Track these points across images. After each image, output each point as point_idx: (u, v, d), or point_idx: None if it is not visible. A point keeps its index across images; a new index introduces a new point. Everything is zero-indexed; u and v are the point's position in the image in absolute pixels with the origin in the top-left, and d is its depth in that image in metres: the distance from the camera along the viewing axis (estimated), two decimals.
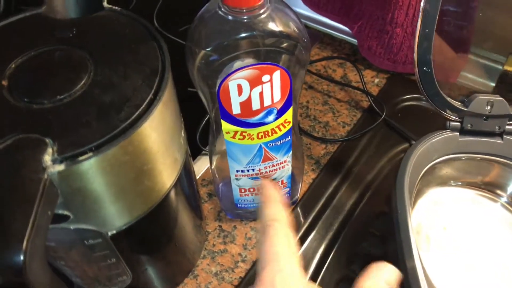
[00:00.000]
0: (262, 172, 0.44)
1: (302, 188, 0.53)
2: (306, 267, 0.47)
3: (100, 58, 0.31)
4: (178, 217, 0.40)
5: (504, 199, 0.45)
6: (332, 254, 0.49)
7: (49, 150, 0.26)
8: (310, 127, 0.60)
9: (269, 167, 0.44)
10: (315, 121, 0.61)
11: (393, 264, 0.33)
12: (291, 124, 0.40)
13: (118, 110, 0.28)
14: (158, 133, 0.30)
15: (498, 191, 0.45)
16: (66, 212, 0.29)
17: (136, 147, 0.29)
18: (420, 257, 0.36)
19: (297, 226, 0.51)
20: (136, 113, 0.28)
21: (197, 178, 0.55)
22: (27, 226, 0.23)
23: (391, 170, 0.56)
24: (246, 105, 0.37)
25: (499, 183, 0.45)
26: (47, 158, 0.26)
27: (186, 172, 0.38)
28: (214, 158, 0.47)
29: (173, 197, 0.37)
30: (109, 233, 0.32)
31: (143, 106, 0.29)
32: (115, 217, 0.32)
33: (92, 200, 0.29)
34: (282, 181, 0.46)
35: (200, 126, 0.57)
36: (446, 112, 0.43)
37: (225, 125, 0.38)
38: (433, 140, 0.43)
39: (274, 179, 0.46)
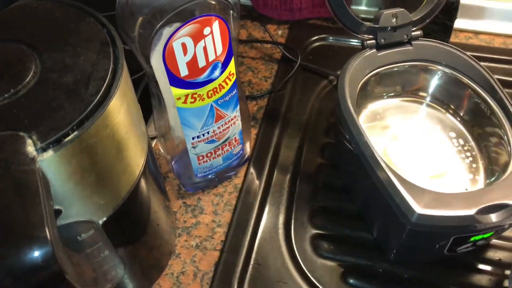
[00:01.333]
0: (216, 133, 0.45)
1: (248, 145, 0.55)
2: (278, 210, 0.50)
3: (41, 46, 0.29)
4: (153, 197, 0.39)
5: (427, 99, 0.52)
6: (296, 191, 0.51)
7: (29, 141, 0.24)
8: None
9: (222, 126, 0.44)
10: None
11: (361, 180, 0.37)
12: (235, 76, 0.41)
13: (85, 86, 0.27)
14: (128, 102, 0.30)
15: (421, 93, 0.52)
16: (57, 207, 0.27)
17: (113, 118, 0.28)
18: (388, 166, 0.40)
19: (257, 179, 0.52)
20: (105, 84, 0.27)
21: None
22: (42, 214, 0.22)
23: (320, 105, 0.60)
24: (192, 64, 0.37)
25: (420, 87, 0.51)
26: (31, 149, 0.24)
27: (150, 148, 0.38)
28: (162, 140, 0.46)
29: (148, 175, 0.36)
30: (100, 222, 0.31)
31: (109, 76, 0.28)
32: (104, 201, 0.31)
33: (81, 186, 0.28)
34: (235, 138, 0.47)
35: None
36: (360, 32, 0.47)
37: (175, 91, 0.38)
38: (358, 61, 0.47)
39: (228, 138, 0.46)
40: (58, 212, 0.28)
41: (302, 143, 0.56)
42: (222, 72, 0.39)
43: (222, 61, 0.39)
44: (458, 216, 0.37)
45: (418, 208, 0.37)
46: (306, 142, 0.56)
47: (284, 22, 0.70)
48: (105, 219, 0.31)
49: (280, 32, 0.69)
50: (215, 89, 0.40)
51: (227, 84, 0.41)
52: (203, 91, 0.39)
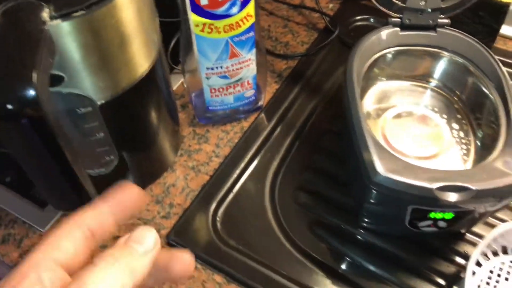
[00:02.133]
0: (230, 70, 0.49)
1: (266, 97, 0.59)
2: (272, 158, 0.54)
3: None
4: (157, 107, 0.45)
5: (433, 84, 0.53)
6: (295, 147, 0.55)
7: (46, 9, 0.30)
8: (272, 46, 0.66)
9: (236, 65, 0.49)
10: (277, 41, 0.66)
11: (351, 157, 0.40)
12: (253, 19, 0.45)
13: None
14: (139, 5, 0.35)
15: (428, 78, 0.53)
16: (61, 73, 0.34)
17: (120, 12, 0.33)
18: (374, 143, 0.42)
19: (262, 128, 0.56)
20: None
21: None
22: (34, 62, 0.28)
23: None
24: None
25: (427, 72, 0.52)
26: (45, 15, 0.30)
27: (160, 58, 0.43)
28: (187, 74, 0.52)
29: (153, 81, 0.42)
30: (99, 103, 0.37)
31: None
32: (104, 84, 0.36)
33: (84, 63, 0.34)
34: (248, 81, 0.52)
35: (170, 46, 0.61)
36: (387, 9, 0.49)
37: (195, 18, 0.43)
38: (376, 35, 0.49)
39: (240, 79, 0.51)
40: (61, 78, 0.34)
41: (315, 108, 0.59)
42: (240, 10, 0.44)
43: (241, 0, 0.43)
44: (418, 186, 0.39)
45: (382, 170, 0.39)
46: (319, 107, 0.59)
47: None
48: (103, 101, 0.37)
49: (331, 5, 0.72)
50: (231, 25, 0.45)
51: (243, 23, 0.45)
52: (220, 23, 0.44)
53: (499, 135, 0.44)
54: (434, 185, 0.39)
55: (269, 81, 0.61)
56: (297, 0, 0.73)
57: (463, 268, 0.46)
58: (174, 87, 0.61)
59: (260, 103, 0.57)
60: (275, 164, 0.53)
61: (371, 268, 0.46)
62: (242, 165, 0.53)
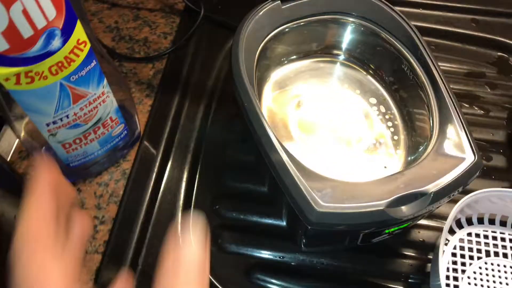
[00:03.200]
0: (80, 116, 0.35)
1: (141, 119, 0.46)
2: (175, 198, 0.42)
3: None
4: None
5: (342, 57, 0.44)
6: (197, 175, 0.44)
7: None
8: (128, 49, 0.52)
9: (86, 107, 0.35)
10: (132, 41, 0.52)
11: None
12: (88, 44, 0.32)
13: None
14: None
15: (335, 51, 0.44)
16: None
17: None
18: (282, 147, 0.32)
19: (150, 161, 0.44)
20: None
21: (9, 156, 0.44)
22: None
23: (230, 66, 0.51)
24: (12, 35, 0.27)
25: (333, 43, 0.43)
26: None
27: None
28: (21, 123, 0.37)
29: None
30: None
31: None
32: None
33: None
34: (111, 118, 0.39)
35: None
36: None
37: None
38: (257, 17, 0.38)
39: (99, 120, 0.37)
40: None
41: (207, 114, 0.48)
42: (65, 42, 0.30)
43: (60, 27, 0.29)
44: (365, 212, 0.30)
45: (318, 205, 0.30)
46: (212, 112, 0.48)
47: None
48: None
49: None
50: (60, 64, 0.31)
51: (77, 55, 0.31)
52: (41, 67, 0.30)
53: (430, 108, 0.37)
54: (383, 203, 0.31)
55: (138, 97, 0.48)
56: None
57: (425, 260, 0.40)
58: (15, 143, 0.45)
59: (136, 131, 0.44)
60: (179, 207, 0.42)
61: None
62: (139, 225, 0.40)
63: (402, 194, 0.31)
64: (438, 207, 0.34)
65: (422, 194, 0.31)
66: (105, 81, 0.35)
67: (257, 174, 0.43)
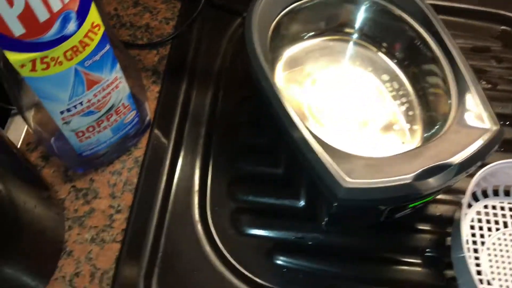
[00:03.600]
0: (94, 102, 0.35)
1: (150, 106, 0.45)
2: (190, 184, 0.41)
3: None
4: (15, 191, 0.30)
5: (355, 36, 0.43)
6: (211, 160, 0.43)
7: None
8: (130, 36, 0.51)
9: (100, 93, 0.34)
10: (133, 27, 0.51)
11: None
12: (102, 27, 0.31)
13: None
14: None
15: (347, 30, 0.43)
16: None
17: None
18: (304, 125, 0.32)
19: (163, 149, 0.43)
20: None
21: (18, 146, 0.43)
22: None
23: (235, 49, 0.50)
24: (28, 18, 0.26)
25: (346, 22, 0.43)
26: None
27: None
28: (29, 113, 0.35)
29: None
30: None
31: None
32: None
33: None
34: (123, 104, 0.38)
35: None
36: None
37: (13, 56, 0.27)
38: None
39: (112, 107, 0.37)
40: None
41: (216, 98, 0.47)
42: (80, 25, 0.29)
43: (75, 9, 0.28)
44: (393, 186, 0.30)
45: (345, 181, 0.30)
46: (221, 96, 0.47)
47: None
48: None
49: None
50: (75, 48, 0.30)
51: (92, 39, 0.30)
52: (57, 52, 0.29)
53: (446, 82, 0.37)
54: (409, 177, 0.31)
55: (146, 85, 0.47)
56: None
57: (444, 233, 0.40)
58: (23, 134, 0.44)
59: (147, 118, 0.44)
60: (195, 193, 0.41)
61: (348, 272, 0.38)
62: (156, 212, 0.40)
63: (428, 166, 0.31)
64: (462, 178, 0.34)
65: (448, 166, 0.31)
66: (118, 66, 0.34)
67: (271, 157, 0.43)
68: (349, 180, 0.30)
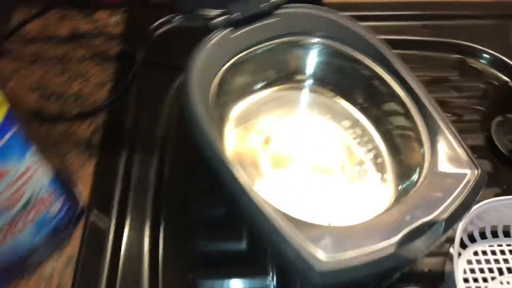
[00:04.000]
0: (3, 199, 0.28)
1: (84, 188, 0.39)
2: (138, 276, 0.35)
3: None
4: None
5: (308, 82, 0.39)
6: (161, 237, 0.37)
7: None
8: (59, 107, 0.45)
9: (10, 187, 0.28)
10: (63, 97, 0.46)
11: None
12: (5, 104, 0.25)
13: None
14: None
15: (299, 77, 0.39)
16: None
17: None
18: (264, 200, 0.27)
19: (102, 237, 0.37)
20: None
21: None
22: None
23: (181, 109, 0.45)
24: None
25: (296, 68, 0.39)
26: None
27: None
28: None
29: None
30: None
31: None
32: None
33: None
34: (45, 193, 0.31)
35: None
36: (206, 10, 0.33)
37: None
38: (207, 50, 0.33)
39: (29, 200, 0.30)
40: None
41: (161, 168, 0.41)
42: None
43: None
44: (376, 260, 0.25)
45: (319, 262, 0.25)
46: (167, 165, 0.42)
47: (118, 4, 0.54)
48: None
49: (114, 19, 0.53)
50: None
51: None
52: None
53: (413, 121, 0.33)
54: (393, 244, 0.26)
55: (78, 163, 0.41)
56: (66, 28, 0.51)
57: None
58: None
59: (80, 204, 0.37)
60: (145, 282, 0.35)
61: None
62: None
63: (410, 228, 0.26)
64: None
65: (433, 223, 0.27)
66: (33, 149, 0.28)
67: (231, 230, 0.37)
68: (324, 260, 0.25)
